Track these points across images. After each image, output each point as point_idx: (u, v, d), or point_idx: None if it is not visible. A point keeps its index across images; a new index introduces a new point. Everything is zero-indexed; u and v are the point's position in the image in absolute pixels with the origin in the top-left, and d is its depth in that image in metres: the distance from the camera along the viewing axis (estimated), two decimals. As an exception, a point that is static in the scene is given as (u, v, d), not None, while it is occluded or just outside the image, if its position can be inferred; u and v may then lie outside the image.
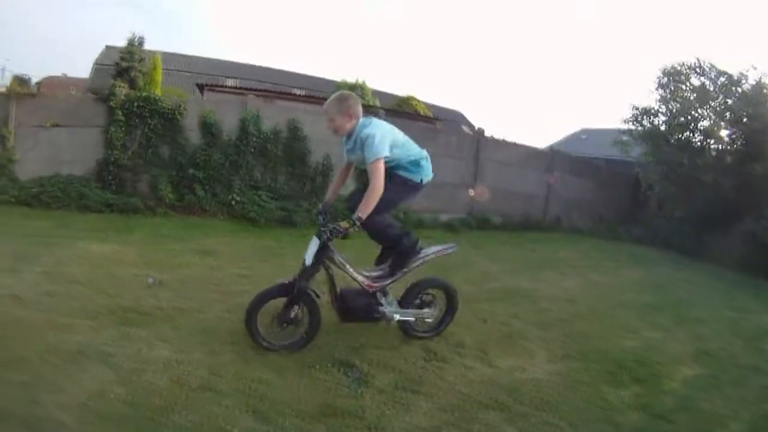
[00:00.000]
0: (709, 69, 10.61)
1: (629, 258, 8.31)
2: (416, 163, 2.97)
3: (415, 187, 3.02)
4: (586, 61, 64.56)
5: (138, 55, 11.16)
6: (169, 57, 15.66)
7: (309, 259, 2.78)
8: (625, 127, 11.47)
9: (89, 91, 11.78)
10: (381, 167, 2.74)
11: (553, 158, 11.19)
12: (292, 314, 2.81)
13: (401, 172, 2.94)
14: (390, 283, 3.03)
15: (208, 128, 7.54)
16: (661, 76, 10.98)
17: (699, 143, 10.71)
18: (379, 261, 3.17)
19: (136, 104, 7.38)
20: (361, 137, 2.82)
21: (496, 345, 3.33)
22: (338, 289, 2.94)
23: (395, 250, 3.04)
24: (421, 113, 10.37)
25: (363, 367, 2.74)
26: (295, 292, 2.77)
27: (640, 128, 11.16)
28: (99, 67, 14.06)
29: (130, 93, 7.54)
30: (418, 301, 3.16)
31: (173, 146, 7.49)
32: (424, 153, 3.05)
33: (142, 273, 4.31)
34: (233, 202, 7.41)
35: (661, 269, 7.72)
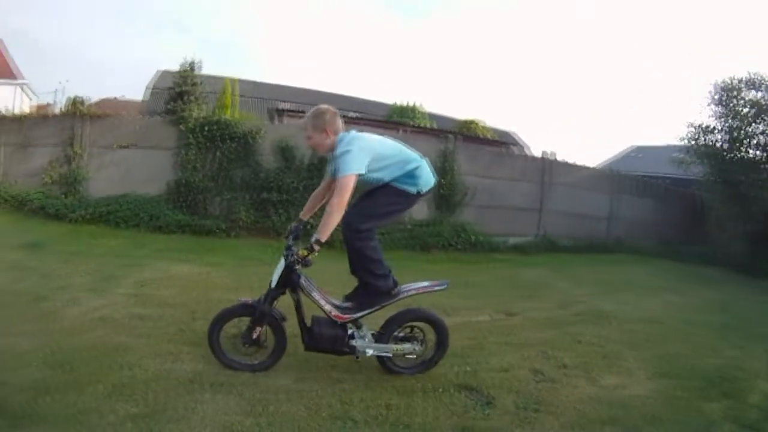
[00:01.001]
0: (759, 82, 10.26)
1: (695, 278, 8.35)
2: (410, 175, 2.67)
3: (411, 197, 2.73)
4: (633, 77, 63.42)
5: (192, 79, 11.25)
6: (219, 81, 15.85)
7: (273, 281, 2.63)
8: (681, 144, 11.20)
9: (145, 113, 11.90)
10: (348, 185, 2.49)
11: (615, 180, 10.97)
12: (254, 335, 2.66)
13: (395, 184, 2.68)
14: (361, 316, 2.71)
15: (283, 152, 7.50)
16: (714, 91, 10.70)
17: (757, 159, 10.40)
18: (348, 298, 2.82)
19: (208, 128, 7.34)
20: (337, 153, 2.59)
21: (595, 365, 3.40)
22: (303, 314, 2.69)
23: (366, 287, 2.73)
24: (483, 137, 10.20)
25: (482, 389, 2.77)
26: (257, 314, 2.64)
27: (697, 146, 10.86)
28: (154, 90, 14.32)
29: (203, 117, 7.50)
30: (399, 335, 2.80)
31: (247, 170, 7.45)
32: (420, 161, 2.73)
33: (235, 296, 4.15)
34: (310, 227, 7.23)
35: (727, 289, 7.79)
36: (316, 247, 2.45)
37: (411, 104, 11.76)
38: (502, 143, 9.65)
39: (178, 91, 10.72)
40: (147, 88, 13.07)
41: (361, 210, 2.70)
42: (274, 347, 2.72)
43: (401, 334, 2.79)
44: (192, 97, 10.55)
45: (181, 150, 7.34)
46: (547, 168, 9.57)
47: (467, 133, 9.46)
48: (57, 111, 9.48)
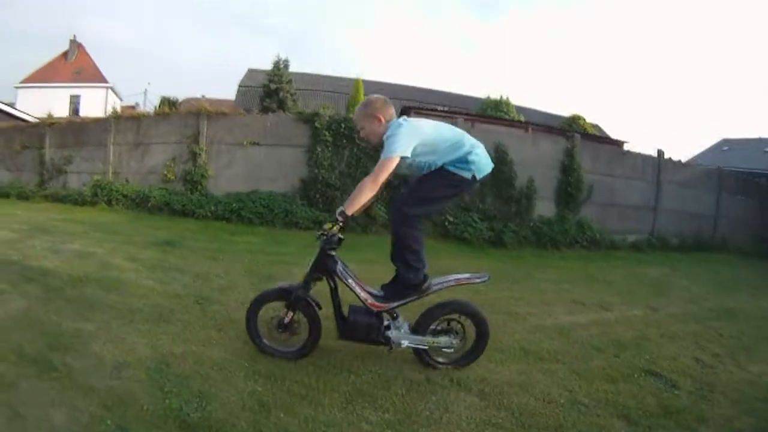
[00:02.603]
0: None
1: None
2: (464, 160, 2.54)
3: (464, 183, 2.58)
4: (716, 68, 60.06)
5: (285, 76, 11.36)
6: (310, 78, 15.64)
7: (309, 266, 2.60)
8: None
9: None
10: (387, 165, 2.35)
11: (720, 177, 10.67)
12: (286, 320, 2.63)
13: (449, 167, 2.55)
14: (396, 306, 2.62)
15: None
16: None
17: None
18: (385, 287, 2.71)
19: (343, 125, 7.38)
20: (385, 137, 2.48)
21: (739, 355, 3.60)
22: (339, 302, 2.61)
23: (397, 276, 2.63)
24: (588, 133, 10.02)
25: (664, 374, 3.01)
26: (291, 299, 2.61)
27: None
28: (243, 89, 14.62)
29: (336, 114, 7.57)
30: (437, 327, 2.68)
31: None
32: (476, 146, 2.60)
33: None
34: (447, 224, 7.25)
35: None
36: (340, 219, 2.39)
37: (503, 98, 11.67)
38: (615, 141, 9.48)
39: (273, 88, 10.89)
40: (238, 86, 13.33)
41: (411, 194, 2.59)
42: (308, 335, 2.67)
43: (439, 327, 2.68)
44: (288, 94, 10.71)
45: (315, 147, 7.40)
46: (662, 166, 9.37)
47: (586, 133, 9.30)
48: (154, 109, 9.67)
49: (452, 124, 7.68)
